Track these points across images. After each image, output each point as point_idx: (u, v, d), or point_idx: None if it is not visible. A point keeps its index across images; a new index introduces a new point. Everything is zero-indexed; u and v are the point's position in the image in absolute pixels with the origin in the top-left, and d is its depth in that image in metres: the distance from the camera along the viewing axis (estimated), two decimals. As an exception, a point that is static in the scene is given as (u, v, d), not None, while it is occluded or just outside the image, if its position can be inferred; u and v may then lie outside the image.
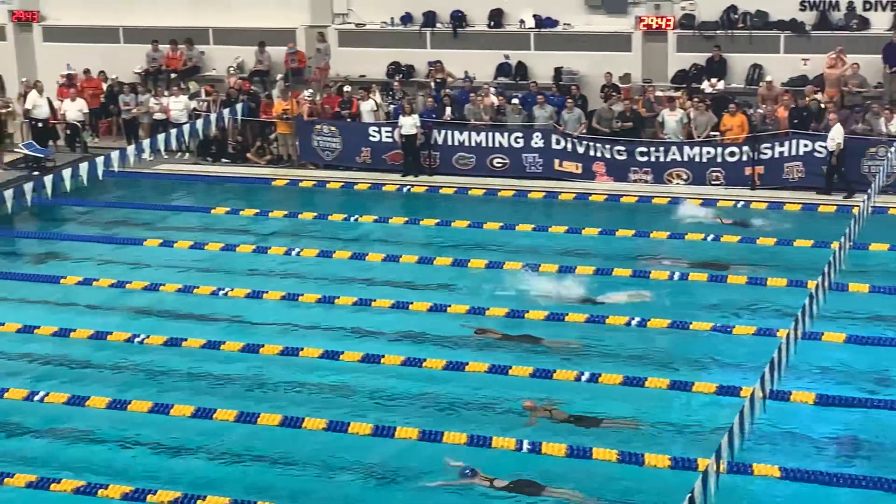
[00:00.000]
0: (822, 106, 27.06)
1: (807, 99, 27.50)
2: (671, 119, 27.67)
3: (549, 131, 28.03)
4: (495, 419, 16.85)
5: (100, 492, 15.16)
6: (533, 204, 26.84)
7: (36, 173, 28.67)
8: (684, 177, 27.24)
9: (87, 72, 32.44)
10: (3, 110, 30.66)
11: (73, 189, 27.12)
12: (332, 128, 29.39)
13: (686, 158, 27.23)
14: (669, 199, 26.14)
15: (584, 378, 17.66)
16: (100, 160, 27.15)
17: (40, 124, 30.61)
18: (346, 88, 30.41)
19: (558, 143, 27.92)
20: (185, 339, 19.49)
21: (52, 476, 15.50)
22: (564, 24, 31.41)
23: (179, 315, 20.95)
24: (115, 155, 27.51)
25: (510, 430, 16.32)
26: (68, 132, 31.22)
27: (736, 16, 30.16)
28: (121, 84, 31.92)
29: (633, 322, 19.55)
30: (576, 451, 15.71)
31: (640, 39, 30.65)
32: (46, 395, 17.75)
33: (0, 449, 16.59)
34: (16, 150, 30.42)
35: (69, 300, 21.77)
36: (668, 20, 30.45)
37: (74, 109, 31.02)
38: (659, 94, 29.26)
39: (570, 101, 28.48)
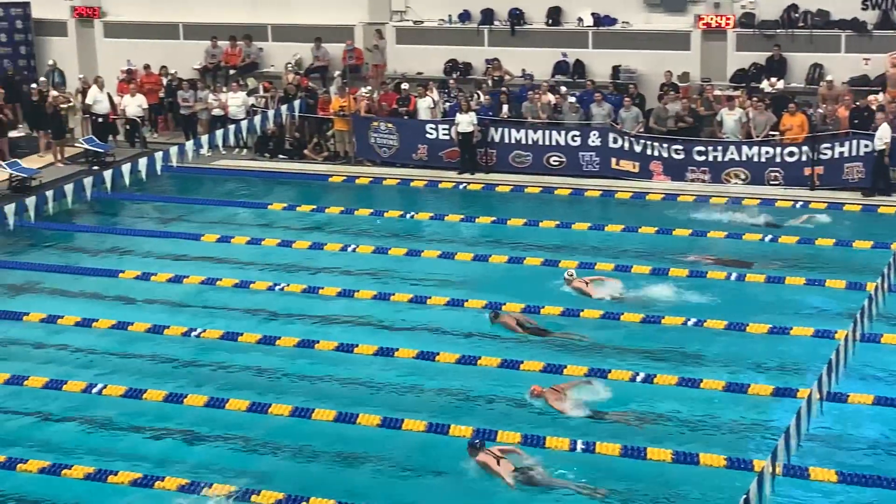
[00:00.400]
0: (872, 108, 26.79)
1: (869, 99, 27.25)
2: (730, 118, 27.48)
3: (607, 130, 27.92)
4: (551, 418, 16.80)
5: (156, 483, 15.27)
6: (589, 202, 26.73)
7: (96, 168, 28.91)
8: (742, 176, 27.04)
9: (146, 67, 32.68)
10: (64, 105, 30.91)
11: (131, 184, 27.39)
12: (389, 125, 29.43)
13: (744, 158, 27.02)
14: (727, 198, 26.03)
15: (638, 378, 17.61)
16: (158, 155, 27.41)
17: (100, 119, 30.86)
18: (404, 86, 30.45)
19: (615, 141, 27.81)
20: (241, 334, 19.61)
21: (108, 468, 15.63)
22: (623, 22, 31.29)
23: (236, 310, 21.05)
24: (173, 150, 27.75)
25: (566, 430, 16.29)
26: (128, 127, 31.46)
27: (797, 14, 29.91)
28: (179, 80, 32.13)
29: (690, 322, 19.45)
30: (630, 451, 15.64)
31: (699, 38, 30.47)
32: (104, 387, 17.90)
33: (58, 440, 16.74)
34: (76, 144, 30.67)
35: (127, 294, 21.94)
36: (728, 19, 30.25)
37: (134, 105, 31.27)
38: (718, 93, 29.06)
39: (627, 99, 28.37)
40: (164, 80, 32.61)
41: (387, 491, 15.24)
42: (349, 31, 32.86)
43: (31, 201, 25.15)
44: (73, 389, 17.94)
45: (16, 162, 28.60)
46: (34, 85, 31.07)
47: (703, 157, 27.24)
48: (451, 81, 30.76)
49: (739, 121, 27.42)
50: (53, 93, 31.10)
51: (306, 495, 14.82)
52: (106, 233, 25.74)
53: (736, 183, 27.03)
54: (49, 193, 25.74)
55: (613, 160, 27.88)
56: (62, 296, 22.03)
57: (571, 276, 21.18)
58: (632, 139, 27.63)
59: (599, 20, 31.33)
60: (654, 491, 15.06)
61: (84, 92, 31.36)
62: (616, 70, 30.74)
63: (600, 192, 27.02)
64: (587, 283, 21.08)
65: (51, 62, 33.84)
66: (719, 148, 27.16)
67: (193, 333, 19.77)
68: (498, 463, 15.22)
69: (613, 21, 31.37)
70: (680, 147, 27.33)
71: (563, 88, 29.64)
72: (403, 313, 20.47)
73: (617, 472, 15.41)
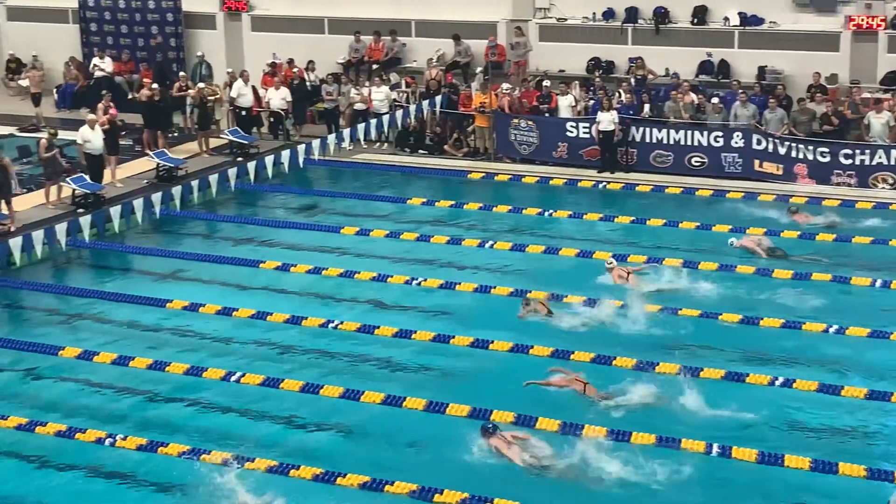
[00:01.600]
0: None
1: None
2: (877, 121, 26.87)
3: (751, 131, 27.50)
4: (684, 420, 16.64)
5: (291, 472, 15.49)
6: (731, 204, 26.29)
7: (240, 159, 29.38)
8: (890, 181, 26.42)
9: (290, 61, 33.08)
10: (211, 97, 31.43)
11: (274, 175, 27.80)
12: (530, 122, 29.37)
13: (893, 162, 26.38)
14: (873, 203, 25.49)
15: (777, 383, 17.37)
16: (301, 148, 27.77)
17: (244, 112, 31.28)
18: (545, 83, 30.38)
19: (759, 143, 27.37)
20: (378, 327, 19.75)
21: (246, 455, 15.88)
22: (770, 22, 30.79)
23: (373, 302, 21.22)
24: (315, 143, 28.08)
25: (699, 433, 16.12)
26: (272, 120, 31.87)
27: (952, 16, 29.17)
28: (301, 79, 32.22)
29: (831, 330, 19.10)
30: (767, 458, 15.44)
31: (849, 39, 29.83)
32: (242, 375, 18.19)
33: (196, 426, 17.07)
34: (221, 136, 31.17)
35: (267, 284, 22.26)
36: (880, 20, 29.56)
37: (278, 98, 31.63)
38: (866, 95, 28.42)
39: (772, 100, 27.90)
40: (308, 76, 32.91)
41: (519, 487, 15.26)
42: (492, 28, 32.89)
43: (176, 191, 25.77)
44: (213, 377, 18.27)
45: (163, 152, 29.19)
46: (155, 85, 31.15)
47: (849, 161, 26.67)
48: (597, 79, 30.52)
49: (887, 124, 26.79)
50: (200, 84, 31.62)
51: (440, 487, 14.91)
52: (248, 223, 26.10)
53: (883, 188, 26.42)
54: (194, 183, 26.28)
55: (756, 162, 27.45)
56: (204, 284, 22.44)
57: (612, 264, 21.52)
58: (776, 141, 27.17)
59: (746, 20, 30.87)
60: (790, 498, 14.83)
61: (231, 85, 31.85)
62: (762, 70, 30.27)
63: (742, 195, 26.60)
64: (628, 274, 21.34)
65: (199, 54, 34.45)
66: (867, 151, 26.57)
67: (331, 325, 19.99)
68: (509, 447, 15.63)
69: (760, 21, 30.89)
70: (826, 150, 26.79)
71: (736, 92, 28.81)
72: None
73: (753, 476, 15.24)
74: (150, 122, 30.40)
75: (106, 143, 27.19)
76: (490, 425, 15.99)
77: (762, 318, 19.60)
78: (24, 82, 35.21)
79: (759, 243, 22.90)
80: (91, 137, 26.75)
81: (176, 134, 31.42)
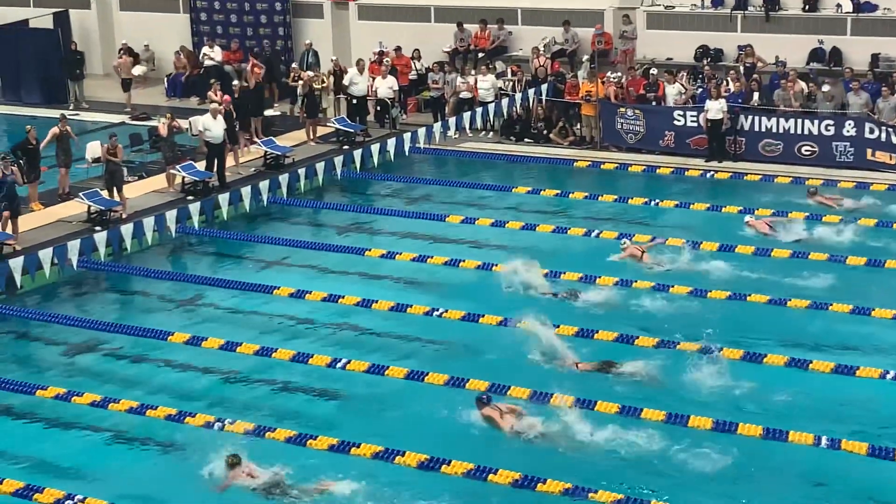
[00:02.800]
0: None
1: None
2: None
3: (863, 120, 27.01)
4: (793, 414, 16.43)
5: (397, 458, 15.56)
6: (841, 194, 25.80)
7: (346, 147, 29.53)
8: None
9: (397, 49, 33.17)
10: (319, 86, 31.60)
11: (380, 164, 27.91)
12: (637, 111, 29.13)
13: None
14: None
15: (889, 376, 17.08)
16: (407, 136, 27.85)
17: (355, 101, 31.40)
18: (653, 71, 30.11)
19: (872, 132, 26.87)
20: (482, 316, 19.75)
21: (351, 440, 15.99)
22: (885, 8, 30.18)
23: (477, 291, 21.19)
24: (421, 132, 28.15)
25: (808, 426, 15.91)
26: (378, 108, 31.97)
27: None
28: (391, 66, 32.12)
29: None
30: (878, 451, 15.20)
31: (969, 25, 29.21)
32: (348, 362, 18.31)
33: (301, 411, 17.24)
34: (328, 124, 31.35)
35: (372, 272, 22.36)
36: None
37: (385, 86, 31.70)
38: (983, 83, 27.78)
39: (885, 88, 27.36)
40: (414, 65, 32.97)
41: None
42: (599, 15, 32.67)
43: (283, 178, 25.98)
44: (318, 363, 18.42)
45: (270, 140, 29.43)
46: (235, 82, 31.10)
47: (965, 150, 26.13)
48: (706, 68, 30.12)
49: None
50: (309, 73, 31.82)
51: (541, 476, 14.87)
52: (353, 211, 26.25)
53: None
54: (301, 171, 26.48)
55: (869, 151, 26.95)
56: (310, 271, 22.62)
57: (626, 245, 22.23)
58: (889, 129, 26.65)
59: (859, 6, 30.29)
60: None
61: (335, 73, 32.00)
62: (875, 58, 29.69)
63: (854, 184, 26.12)
64: (642, 252, 21.92)
65: (307, 42, 34.67)
66: (983, 141, 26.00)
67: (435, 313, 20.02)
68: (501, 417, 16.05)
69: (874, 7, 30.30)
70: (941, 139, 26.26)
71: (853, 82, 28.02)
72: (645, 301, 20.27)
73: (859, 471, 15.03)
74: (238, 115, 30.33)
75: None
76: (484, 396, 16.49)
77: (874, 309, 19.26)
78: (137, 70, 35.87)
79: (770, 224, 23.41)
80: (212, 126, 26.89)
81: (321, 116, 31.49)
